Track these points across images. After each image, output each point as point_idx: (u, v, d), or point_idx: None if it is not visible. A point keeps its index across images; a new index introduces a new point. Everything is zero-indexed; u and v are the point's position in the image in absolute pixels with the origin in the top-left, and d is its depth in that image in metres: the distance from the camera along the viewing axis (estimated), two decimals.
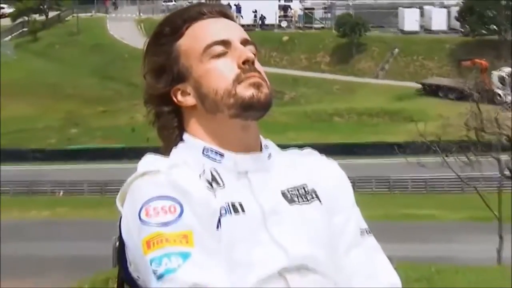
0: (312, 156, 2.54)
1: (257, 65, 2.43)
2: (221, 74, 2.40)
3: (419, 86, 66.26)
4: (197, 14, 2.49)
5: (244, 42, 2.46)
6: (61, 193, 46.04)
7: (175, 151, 2.42)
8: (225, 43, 2.42)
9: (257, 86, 2.39)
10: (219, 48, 2.41)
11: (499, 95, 51.60)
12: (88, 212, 36.63)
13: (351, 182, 2.58)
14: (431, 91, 64.18)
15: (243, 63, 2.40)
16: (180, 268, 2.17)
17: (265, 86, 2.41)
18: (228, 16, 2.52)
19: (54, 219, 38.06)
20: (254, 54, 2.44)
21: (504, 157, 27.40)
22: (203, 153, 2.41)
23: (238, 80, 2.39)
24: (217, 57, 2.41)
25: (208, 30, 2.45)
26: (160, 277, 2.18)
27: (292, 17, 78.40)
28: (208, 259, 2.20)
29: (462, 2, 72.61)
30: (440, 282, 15.97)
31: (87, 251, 28.40)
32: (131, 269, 2.34)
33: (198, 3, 2.61)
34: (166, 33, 2.49)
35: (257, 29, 71.46)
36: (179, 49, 2.45)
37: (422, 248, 23.41)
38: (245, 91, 2.38)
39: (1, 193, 45.37)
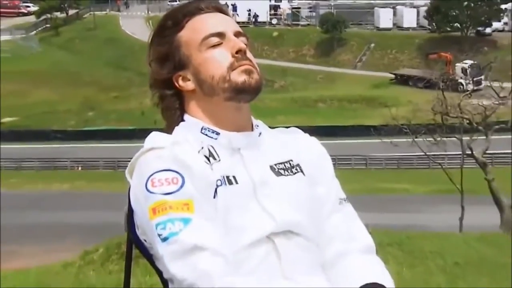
0: (296, 134, 2.56)
1: (249, 54, 2.43)
2: (217, 62, 2.41)
3: (392, 76, 66.07)
4: (195, 9, 2.48)
5: (237, 34, 2.45)
6: (80, 168, 45.95)
7: (177, 130, 2.43)
8: (220, 35, 2.43)
9: (248, 72, 2.40)
10: (215, 39, 2.42)
11: (462, 84, 51.62)
12: (103, 185, 36.50)
13: (332, 160, 2.59)
14: (402, 80, 64.07)
15: (236, 52, 2.41)
16: (182, 231, 2.19)
17: (256, 73, 2.41)
18: (223, 11, 2.51)
19: (73, 191, 38.03)
20: (246, 45, 2.44)
21: (465, 138, 27.37)
22: (201, 131, 2.41)
23: (232, 67, 2.39)
24: (213, 47, 2.41)
25: (206, 23, 2.45)
26: (164, 239, 2.20)
27: (281, 15, 78.10)
28: (206, 224, 2.22)
29: (430, 3, 72.40)
30: (410, 246, 15.98)
31: (102, 219, 28.36)
32: (138, 232, 2.35)
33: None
34: (169, 26, 2.49)
35: (251, 26, 71.16)
36: (180, 40, 2.46)
37: (394, 217, 23.43)
38: (238, 77, 2.39)
39: (27, 168, 45.53)
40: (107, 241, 18.20)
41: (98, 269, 13.10)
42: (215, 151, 2.38)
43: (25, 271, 18.31)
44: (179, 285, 2.23)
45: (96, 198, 33.53)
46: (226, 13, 2.54)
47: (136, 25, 74.52)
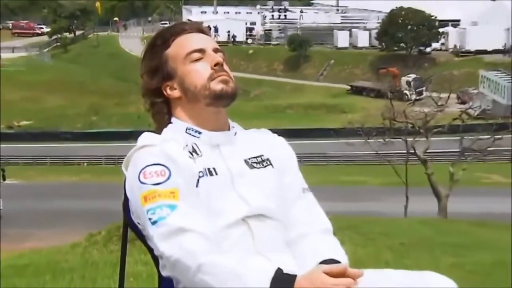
0: (267, 134, 2.59)
1: (225, 67, 2.48)
2: (198, 73, 2.45)
3: (348, 87, 66.18)
4: (181, 30, 2.52)
5: (215, 50, 2.49)
6: (85, 164, 45.83)
7: (165, 130, 2.45)
8: (201, 51, 2.47)
9: (225, 82, 2.44)
10: (197, 55, 2.46)
11: (406, 94, 51.99)
12: (106, 177, 36.45)
13: (298, 157, 2.62)
14: (357, 91, 64.20)
15: (215, 65, 2.45)
16: (169, 216, 2.23)
17: (231, 82, 2.46)
18: (203, 32, 2.55)
19: (80, 183, 37.93)
20: (223, 59, 2.49)
21: (409, 139, 27.55)
22: (186, 131, 2.44)
23: (211, 78, 2.44)
24: (195, 61, 2.46)
25: (189, 41, 2.49)
26: (154, 223, 2.24)
27: (255, 36, 78.20)
28: (189, 210, 2.25)
29: (380, 26, 72.73)
30: (364, 229, 16.05)
31: (104, 206, 28.24)
32: (133, 217, 2.38)
33: (181, 22, 2.69)
34: (158, 43, 2.52)
35: (230, 45, 71.08)
36: (167, 55, 2.49)
37: (351, 205, 23.52)
38: (217, 86, 2.43)
39: (40, 164, 45.41)
40: (109, 225, 18.20)
41: (101, 249, 13.07)
42: (198, 148, 2.42)
43: (38, 250, 18.27)
44: (167, 262, 2.25)
45: (99, 189, 33.41)
46: (206, 33, 2.57)
47: (133, 43, 74.34)
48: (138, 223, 2.35)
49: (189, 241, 2.21)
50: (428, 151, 27.03)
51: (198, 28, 2.56)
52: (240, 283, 2.17)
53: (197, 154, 2.40)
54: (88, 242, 16.99)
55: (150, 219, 2.26)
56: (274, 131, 2.64)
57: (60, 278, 9.20)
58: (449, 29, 72.18)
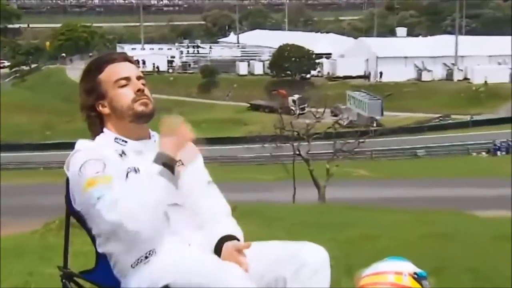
0: None
1: (146, 91, 2.49)
2: (125, 96, 2.46)
3: (248, 105, 66.41)
4: (111, 59, 2.52)
5: (139, 78, 2.50)
6: (42, 169, 44.44)
7: (98, 138, 2.46)
8: (127, 78, 2.48)
9: (145, 104, 2.45)
10: (123, 81, 2.48)
11: (293, 110, 52.50)
12: (58, 178, 35.64)
13: (211, 159, 2.63)
14: (255, 108, 64.32)
15: (137, 90, 2.45)
16: (106, 194, 2.24)
17: (150, 104, 2.49)
18: (130, 61, 2.54)
19: (37, 183, 36.79)
20: (144, 85, 2.49)
21: (295, 143, 27.80)
22: (115, 140, 2.44)
23: (134, 101, 2.45)
24: (122, 87, 2.47)
25: (118, 69, 2.49)
26: (98, 199, 2.24)
27: (175, 66, 77.92)
28: (121, 188, 2.26)
29: (271, 59, 73.14)
30: (263, 214, 16.04)
31: (58, 202, 27.53)
32: (75, 205, 2.36)
33: (112, 52, 2.70)
34: (93, 69, 2.52)
35: (155, 74, 70.46)
36: (100, 79, 2.49)
37: (251, 195, 23.36)
38: (138, 107, 2.45)
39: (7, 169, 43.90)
40: (62, 216, 17.76)
41: (56, 234, 12.69)
42: (124, 152, 2.40)
43: (4, 238, 17.64)
44: (111, 229, 2.23)
45: (53, 188, 32.49)
46: (131, 62, 2.55)
47: (78, 74, 70.92)
48: (81, 210, 2.33)
49: (126, 204, 2.22)
50: (309, 152, 27.34)
51: (125, 57, 2.56)
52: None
53: (126, 155, 2.39)
54: (44, 229, 16.47)
55: (94, 198, 2.24)
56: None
57: (24, 258, 8.93)
58: (323, 60, 73.01)
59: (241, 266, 2.22)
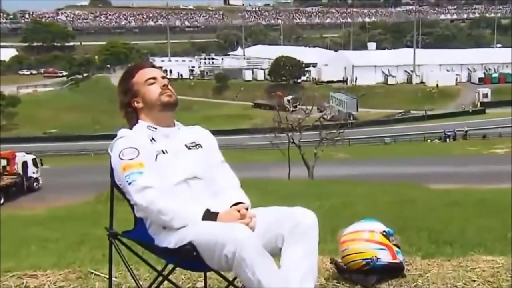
0: (198, 129, 2.54)
1: (170, 86, 2.46)
2: (153, 91, 2.42)
3: (253, 104, 66.12)
4: (140, 66, 2.51)
5: (163, 77, 2.47)
6: (93, 154, 44.37)
7: (134, 128, 2.42)
8: (154, 78, 2.45)
9: (169, 95, 2.42)
10: (151, 80, 2.44)
11: (287, 107, 52.20)
12: (105, 161, 35.58)
13: (223, 147, 2.62)
14: (258, 106, 63.97)
15: (163, 86, 2.43)
16: (139, 178, 2.22)
17: (174, 96, 2.44)
18: (154, 66, 2.54)
19: (89, 165, 36.77)
20: (168, 82, 2.47)
21: (290, 133, 27.77)
22: (147, 128, 2.40)
23: (161, 94, 2.41)
24: (150, 84, 2.43)
25: (146, 72, 2.46)
26: (130, 183, 2.23)
27: (195, 74, 77.63)
28: (151, 174, 2.24)
29: (270, 67, 72.65)
30: (263, 187, 16.01)
31: (106, 178, 27.51)
32: (116, 180, 2.33)
33: (141, 61, 2.66)
34: (127, 76, 2.49)
35: (179, 80, 70.09)
36: (133, 82, 2.45)
37: (256, 173, 23.24)
38: (165, 98, 2.41)
39: (66, 155, 43.89)
40: (108, 190, 17.74)
41: (104, 205, 12.71)
42: (154, 138, 2.37)
43: (64, 206, 17.70)
44: (139, 208, 2.24)
45: (101, 168, 32.46)
46: (156, 67, 2.54)
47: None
48: (120, 184, 2.31)
49: (151, 194, 2.20)
50: (301, 140, 27.34)
51: (151, 64, 2.57)
52: (181, 218, 2.21)
53: (155, 141, 2.36)
54: (95, 201, 16.53)
55: (127, 181, 2.23)
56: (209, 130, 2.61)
57: (79, 222, 8.94)
58: (311, 68, 73.02)
59: (249, 225, 2.21)
